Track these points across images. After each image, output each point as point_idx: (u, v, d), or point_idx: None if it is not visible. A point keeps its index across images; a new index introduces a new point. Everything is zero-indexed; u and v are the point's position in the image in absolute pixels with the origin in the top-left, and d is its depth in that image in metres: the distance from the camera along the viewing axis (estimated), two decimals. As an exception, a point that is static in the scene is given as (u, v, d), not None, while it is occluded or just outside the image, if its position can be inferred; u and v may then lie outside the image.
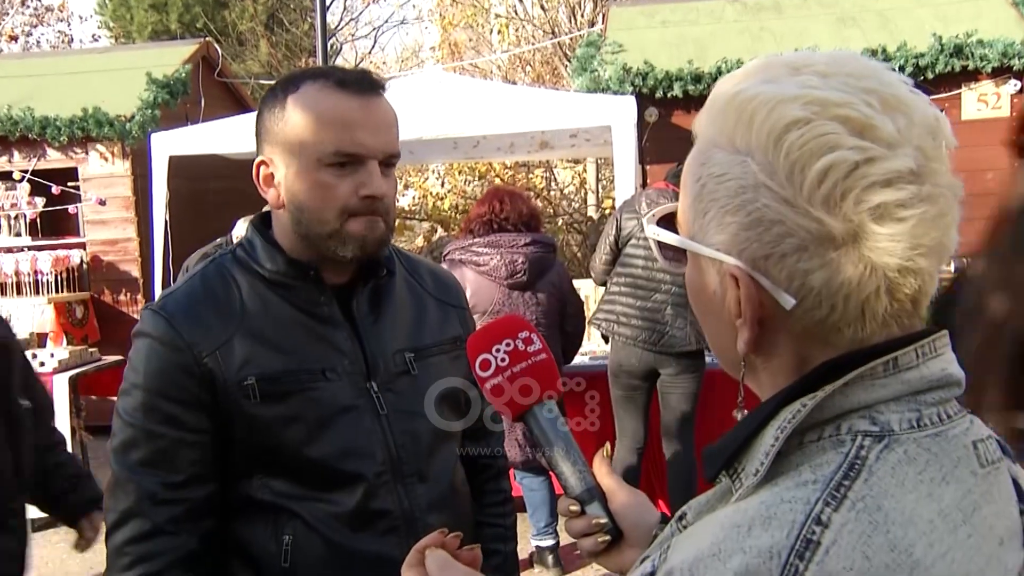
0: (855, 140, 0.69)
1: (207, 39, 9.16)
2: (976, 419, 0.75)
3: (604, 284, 4.42)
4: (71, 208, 7.57)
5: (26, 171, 7.43)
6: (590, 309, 5.99)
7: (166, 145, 6.66)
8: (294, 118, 1.40)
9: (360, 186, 1.40)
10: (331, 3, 14.88)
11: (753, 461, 0.73)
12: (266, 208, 1.54)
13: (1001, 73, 6.29)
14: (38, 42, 18.58)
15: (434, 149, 7.79)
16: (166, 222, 6.76)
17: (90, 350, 6.00)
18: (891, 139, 0.69)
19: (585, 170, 12.52)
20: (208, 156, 6.99)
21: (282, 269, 1.46)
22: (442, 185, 12.97)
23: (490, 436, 1.75)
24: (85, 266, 7.60)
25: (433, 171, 12.95)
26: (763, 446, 0.72)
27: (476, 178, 12.55)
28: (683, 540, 0.75)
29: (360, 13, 18.76)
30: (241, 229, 5.27)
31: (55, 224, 7.84)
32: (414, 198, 13.17)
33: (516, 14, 13.12)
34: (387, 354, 1.50)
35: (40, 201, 7.44)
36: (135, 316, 7.57)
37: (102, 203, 7.44)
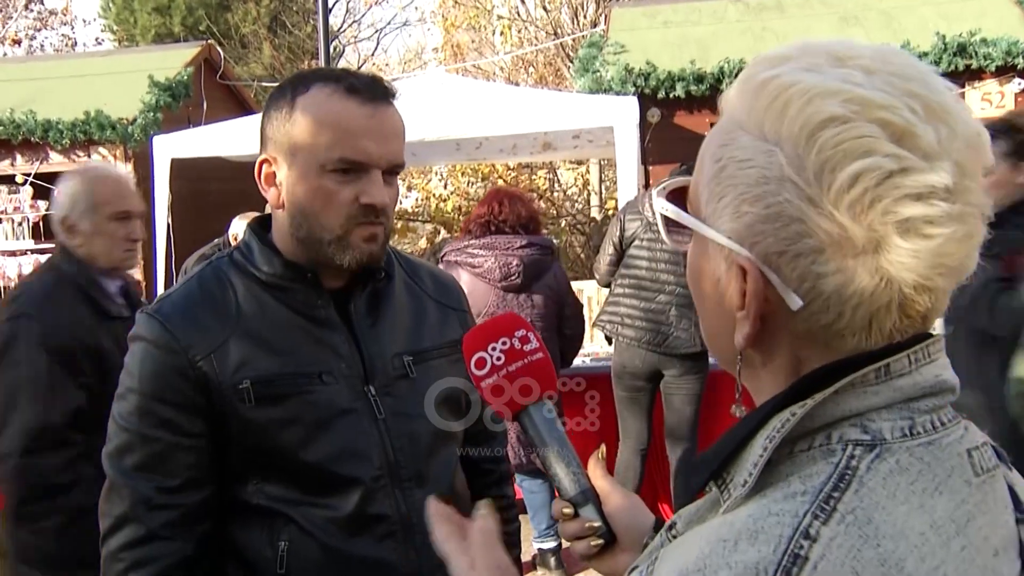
0: (892, 147, 0.65)
1: (209, 42, 9.17)
2: (971, 426, 0.73)
3: (608, 285, 4.40)
4: (74, 211, 7.57)
5: (29, 174, 7.43)
6: (593, 311, 5.99)
7: (168, 148, 6.66)
8: (300, 120, 1.39)
9: (361, 194, 1.39)
10: (334, 5, 14.91)
11: (741, 471, 0.70)
12: (268, 210, 1.53)
13: (1005, 72, 6.26)
14: (42, 46, 18.62)
15: (437, 151, 7.79)
16: (168, 225, 6.75)
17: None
18: (930, 150, 0.65)
19: (588, 171, 12.50)
20: (210, 159, 6.98)
21: (279, 272, 1.44)
22: (445, 187, 12.96)
23: (492, 439, 1.73)
24: (88, 269, 7.59)
25: (436, 173, 12.94)
26: (752, 456, 0.69)
27: (479, 180, 12.54)
28: (671, 551, 0.73)
29: (362, 15, 18.79)
30: (238, 227, 5.27)
31: (58, 227, 7.83)
32: (417, 200, 13.16)
33: (519, 15, 13.11)
34: (385, 357, 1.49)
35: (43, 204, 7.44)
36: (138, 319, 7.57)
37: (105, 206, 7.44)
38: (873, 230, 0.65)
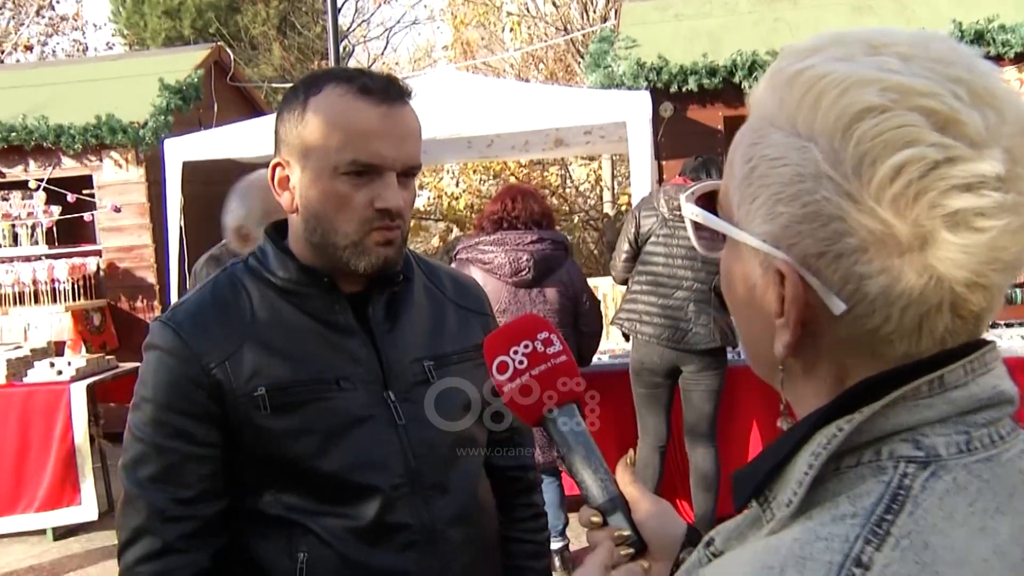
0: (937, 136, 0.61)
1: (219, 44, 9.16)
2: None
3: (624, 283, 4.36)
4: (86, 216, 7.58)
5: (41, 180, 7.44)
6: (608, 307, 5.95)
7: (179, 151, 6.65)
8: (312, 122, 1.36)
9: (376, 198, 1.35)
10: (343, 5, 14.90)
11: (785, 490, 0.66)
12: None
13: (1024, 59, 6.18)
14: (53, 51, 18.68)
15: (448, 149, 7.75)
16: (181, 228, 6.74)
17: (107, 357, 6.00)
18: (978, 138, 0.61)
19: (600, 167, 12.45)
20: (222, 161, 6.97)
21: (294, 277, 1.41)
22: (457, 185, 12.93)
23: (518, 446, 1.69)
24: (101, 273, 7.61)
25: (448, 171, 12.91)
26: (796, 473, 0.65)
27: (491, 177, 12.51)
28: (711, 574, 0.69)
29: (372, 14, 18.77)
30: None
31: (71, 232, 7.86)
32: (429, 198, 13.14)
33: (528, 11, 13.06)
34: (405, 362, 1.45)
35: (56, 209, 7.45)
36: (152, 322, 7.56)
37: (117, 210, 7.44)
38: (919, 225, 0.61)
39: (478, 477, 1.55)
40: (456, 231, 12.19)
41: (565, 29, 12.32)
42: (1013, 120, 0.63)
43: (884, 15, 6.68)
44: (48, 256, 7.42)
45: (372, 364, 1.42)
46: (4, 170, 7.63)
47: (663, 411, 4.29)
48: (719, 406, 4.26)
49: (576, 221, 12.41)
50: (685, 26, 7.12)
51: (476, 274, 3.86)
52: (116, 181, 7.55)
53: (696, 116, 6.55)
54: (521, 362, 1.15)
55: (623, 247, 4.27)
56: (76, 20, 19.45)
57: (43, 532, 5.44)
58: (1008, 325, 4.99)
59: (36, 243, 7.49)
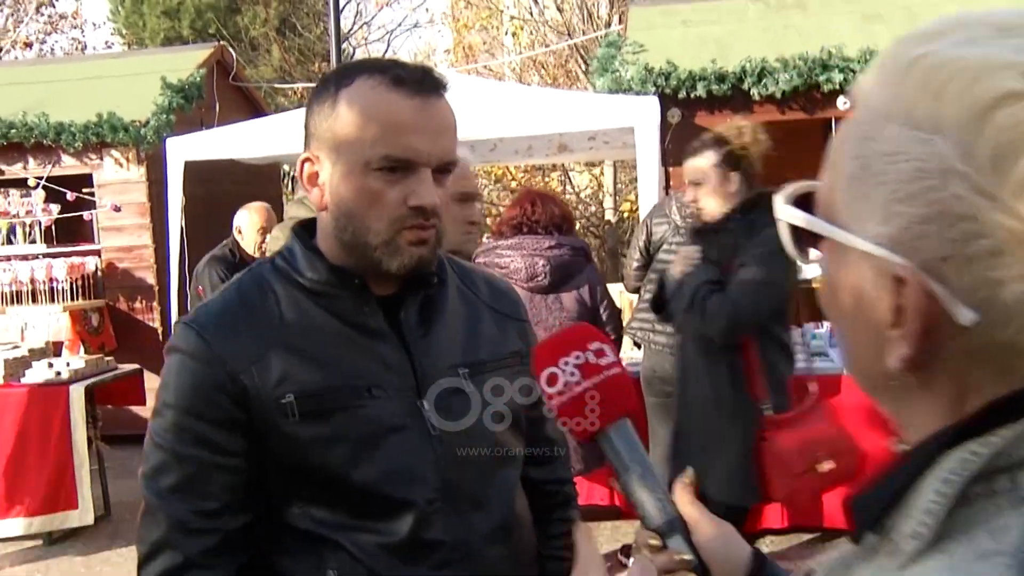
0: None
1: (221, 43, 9.09)
2: None
3: (636, 291, 4.31)
4: (86, 215, 7.51)
5: (41, 177, 7.36)
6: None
7: (181, 150, 6.59)
8: (343, 115, 1.29)
9: (410, 195, 1.29)
10: (344, 6, 14.84)
11: (908, 519, 0.60)
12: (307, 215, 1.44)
13: (1035, 70, 6.13)
14: (52, 49, 18.60)
15: (451, 152, 7.68)
16: (182, 228, 6.68)
17: (106, 359, 5.93)
18: None
19: (602, 173, 12.40)
20: (223, 161, 6.92)
21: (324, 278, 1.35)
22: (458, 189, 12.83)
23: (555, 459, 1.62)
24: (100, 273, 7.53)
25: (448, 175, 12.82)
26: (921, 501, 0.59)
27: (492, 182, 12.46)
28: None
29: (373, 17, 18.73)
30: (241, 219, 5.20)
31: (69, 231, 7.78)
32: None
33: (532, 16, 13.02)
34: (439, 369, 1.38)
35: (55, 208, 7.37)
36: (151, 324, 7.50)
37: (117, 209, 7.37)
38: None
39: (515, 491, 1.48)
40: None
41: (568, 34, 12.28)
42: None
43: (895, 24, 6.64)
44: (46, 255, 7.34)
45: (405, 371, 1.35)
46: (3, 167, 7.55)
47: (674, 421, 4.23)
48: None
49: (577, 227, 12.36)
50: (693, 32, 7.07)
51: None
52: (116, 180, 7.47)
53: (704, 123, 6.48)
54: (572, 374, 1.09)
55: (634, 255, 4.22)
56: (75, 18, 19.36)
57: (38, 537, 5.35)
58: None
59: (34, 242, 7.41)
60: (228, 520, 1.29)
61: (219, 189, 7.61)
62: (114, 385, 5.73)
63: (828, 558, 0.71)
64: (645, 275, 4.20)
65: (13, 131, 7.32)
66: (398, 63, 1.36)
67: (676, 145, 6.42)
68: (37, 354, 5.74)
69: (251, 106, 9.08)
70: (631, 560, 1.10)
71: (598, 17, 12.62)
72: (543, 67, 14.00)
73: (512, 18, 13.68)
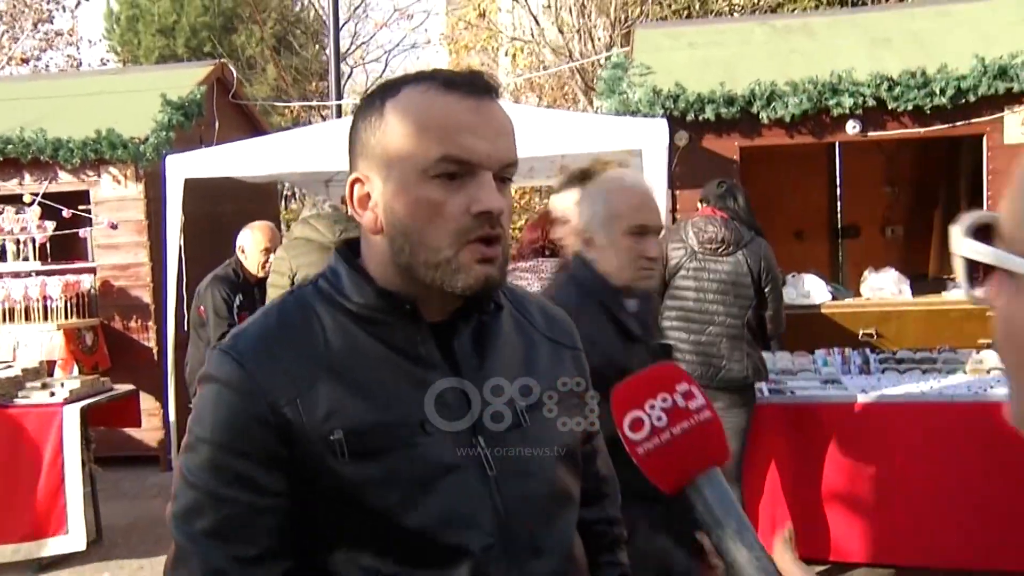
0: None
1: (222, 60, 9.02)
2: None
3: (651, 315, 4.21)
4: (81, 232, 7.39)
5: (37, 194, 7.25)
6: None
7: (181, 168, 6.49)
8: (393, 125, 1.19)
9: (473, 202, 1.17)
10: (343, 26, 14.82)
11: None
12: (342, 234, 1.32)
13: (1046, 96, 6.09)
14: (47, 66, 18.51)
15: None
16: (180, 246, 6.57)
17: (101, 379, 5.78)
18: None
19: (602, 195, 12.32)
20: (222, 179, 6.82)
21: (372, 302, 1.23)
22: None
23: (604, 497, 1.52)
24: (95, 291, 7.40)
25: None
26: None
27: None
28: None
29: (371, 37, 18.71)
30: (244, 239, 5.09)
31: (64, 248, 7.66)
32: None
33: (533, 37, 13.00)
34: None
35: (50, 225, 7.25)
36: (146, 343, 7.37)
37: (114, 227, 7.25)
38: None
39: (574, 535, 1.37)
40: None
41: (569, 55, 12.26)
42: None
43: (903, 49, 6.61)
44: (40, 272, 7.20)
45: (460, 404, 1.24)
46: (-2, 183, 7.44)
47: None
48: (745, 444, 4.10)
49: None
50: (699, 54, 7.03)
51: None
52: (113, 197, 7.36)
53: (711, 146, 6.43)
54: (659, 419, 1.00)
55: (648, 279, 4.13)
56: (71, 35, 19.29)
57: (27, 563, 5.19)
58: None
59: (27, 259, 7.28)
60: (268, 568, 1.17)
61: (217, 207, 7.51)
62: (109, 406, 5.59)
63: None
64: (661, 301, 4.10)
65: (10, 147, 7.21)
66: (445, 69, 1.27)
67: (683, 168, 6.37)
68: (31, 374, 5.60)
69: (250, 124, 9.00)
70: None
71: (597, 39, 12.61)
72: (541, 88, 13.99)
73: (512, 39, 13.66)
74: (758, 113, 6.21)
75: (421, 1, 25.46)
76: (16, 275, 7.20)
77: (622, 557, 1.52)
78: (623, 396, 1.00)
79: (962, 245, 0.64)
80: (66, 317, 7.02)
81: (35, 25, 17.94)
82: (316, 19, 19.81)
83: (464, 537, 1.20)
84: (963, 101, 6.00)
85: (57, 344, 6.86)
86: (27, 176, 7.40)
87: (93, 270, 7.45)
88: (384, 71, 19.17)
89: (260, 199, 8.50)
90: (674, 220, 6.22)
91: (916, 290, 6.40)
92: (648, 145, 5.80)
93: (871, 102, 6.10)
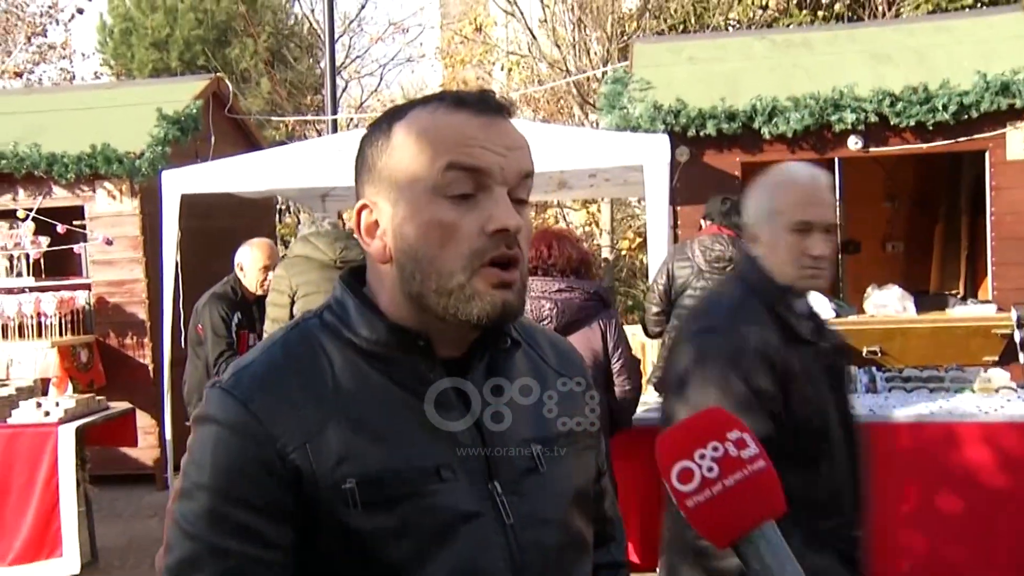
0: None
1: (218, 75, 8.98)
2: None
3: (657, 336, 4.15)
4: (76, 248, 7.31)
5: (31, 209, 7.18)
6: (646, 358, 5.73)
7: (177, 183, 6.43)
8: (401, 145, 1.13)
9: (487, 220, 1.09)
10: (338, 39, 14.78)
11: None
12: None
13: (1048, 112, 6.07)
14: (40, 79, 18.45)
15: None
16: (177, 263, 6.50)
17: (98, 399, 5.70)
18: None
19: (599, 210, 12.31)
20: (218, 194, 6.76)
21: (383, 338, 1.15)
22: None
23: (611, 541, 1.44)
24: (90, 308, 7.32)
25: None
26: None
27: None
28: None
29: (366, 51, 18.70)
30: (243, 256, 5.01)
31: (58, 264, 7.58)
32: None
33: (529, 52, 12.98)
34: (512, 446, 1.19)
35: (44, 240, 7.17)
36: (142, 360, 7.29)
37: (109, 243, 7.18)
38: None
39: None
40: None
41: (565, 70, 12.24)
42: None
43: (904, 65, 6.59)
44: (34, 288, 7.13)
45: (476, 447, 1.16)
46: (-8, 198, 7.37)
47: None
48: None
49: (573, 264, 12.23)
50: (700, 69, 7.01)
51: None
52: (109, 212, 7.30)
53: (712, 161, 6.40)
54: (710, 469, 0.94)
55: (653, 299, 4.07)
56: (64, 49, 19.23)
57: (20, 586, 5.10)
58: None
59: (20, 275, 7.20)
60: None
61: (213, 223, 7.45)
62: (105, 425, 5.51)
63: None
64: (667, 320, 4.05)
65: (3, 161, 7.15)
66: (454, 91, 1.20)
67: (684, 184, 6.33)
68: (25, 392, 5.52)
69: (246, 139, 8.95)
70: None
71: (593, 53, 12.60)
72: (536, 102, 13.96)
73: (509, 54, 13.64)
74: (759, 128, 6.19)
75: (416, 15, 25.47)
76: (10, 291, 7.12)
77: None
78: (670, 444, 0.94)
79: None
80: (61, 334, 6.94)
81: (28, 38, 17.88)
82: (311, 32, 19.80)
83: None
84: (965, 117, 5.98)
85: (52, 361, 6.78)
86: (21, 191, 7.33)
87: (88, 286, 7.38)
88: (379, 85, 19.16)
89: (256, 214, 8.44)
90: (676, 237, 6.18)
91: (918, 306, 6.36)
92: (649, 161, 5.76)
93: (873, 118, 6.08)
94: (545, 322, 3.59)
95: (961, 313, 6.02)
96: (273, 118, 13.67)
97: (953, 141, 6.10)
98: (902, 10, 11.69)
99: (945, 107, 5.93)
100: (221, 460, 1.09)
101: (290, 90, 18.11)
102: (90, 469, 5.48)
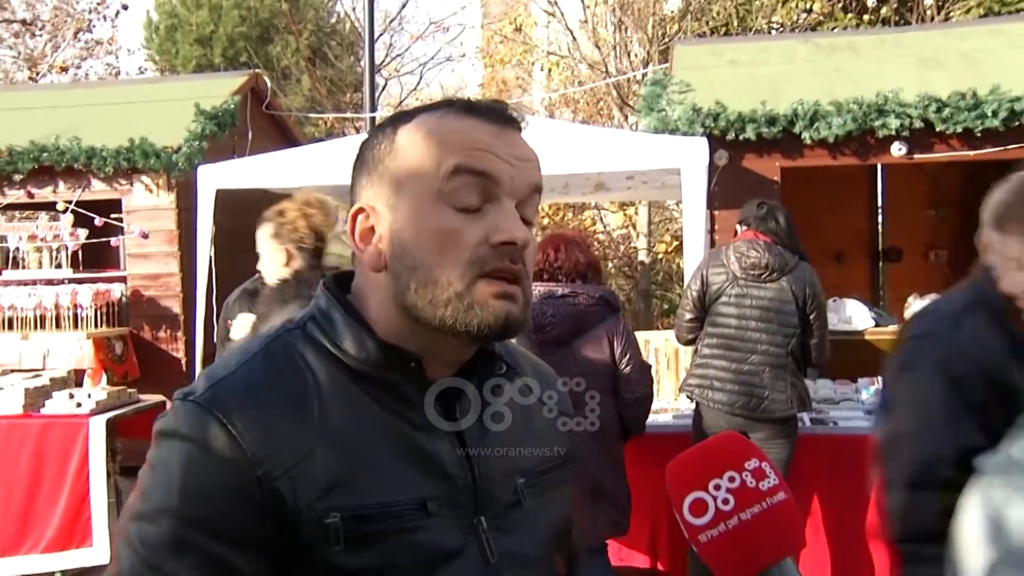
0: None
1: (256, 71, 9.00)
2: None
3: (689, 343, 4.07)
4: (113, 241, 7.38)
5: (70, 202, 7.25)
6: (659, 362, 5.65)
7: (213, 178, 6.45)
8: (404, 147, 1.07)
9: (493, 231, 1.02)
10: (378, 38, 14.79)
11: None
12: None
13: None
14: (87, 74, 18.72)
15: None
16: (211, 258, 6.52)
17: (128, 391, 5.74)
18: None
19: (636, 212, 12.20)
20: (254, 191, 6.77)
21: (372, 357, 1.06)
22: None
23: (576, 572, 1.36)
24: (125, 300, 7.38)
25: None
26: None
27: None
28: None
29: (406, 49, 18.73)
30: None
31: (95, 256, 7.66)
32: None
33: (569, 52, 12.90)
34: (497, 478, 1.11)
35: (83, 233, 7.25)
36: (175, 354, 7.33)
37: (145, 236, 7.23)
38: None
39: None
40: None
41: (605, 71, 12.15)
42: None
43: (953, 69, 6.42)
44: (72, 280, 7.20)
45: (465, 479, 1.08)
46: (33, 191, 7.45)
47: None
48: (787, 478, 3.94)
49: (610, 268, 12.13)
50: (741, 72, 6.88)
51: None
52: (145, 206, 7.35)
53: (752, 165, 6.28)
54: (726, 501, 0.87)
55: (687, 306, 3.99)
56: (111, 44, 19.50)
57: (50, 575, 5.14)
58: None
59: (60, 266, 7.28)
60: None
61: (248, 219, 7.45)
62: (136, 417, 5.55)
63: None
64: (700, 328, 3.96)
65: (45, 155, 7.22)
66: (464, 98, 1.14)
67: (722, 188, 6.22)
68: (59, 383, 5.57)
69: (283, 135, 8.96)
70: None
71: (634, 55, 12.49)
72: (576, 104, 13.87)
73: (549, 54, 13.56)
74: (800, 133, 6.05)
75: (457, 14, 25.48)
76: (49, 282, 7.20)
77: None
78: (682, 473, 0.88)
79: None
80: (96, 326, 7.00)
81: (75, 34, 18.14)
82: (352, 31, 19.87)
83: None
84: (1017, 124, 5.80)
85: (87, 353, 6.84)
86: (61, 184, 7.40)
87: (124, 279, 7.44)
88: (419, 83, 19.17)
89: (291, 211, 8.44)
90: (712, 241, 6.07)
91: (962, 317, 6.17)
92: (687, 164, 5.66)
93: (918, 123, 5.91)
94: (548, 328, 3.50)
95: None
96: (311, 115, 13.72)
97: (1003, 148, 5.92)
98: (952, 14, 11.44)
99: (995, 113, 5.75)
100: (190, 483, 0.98)
101: (330, 88, 18.19)
102: (120, 460, 5.52)
